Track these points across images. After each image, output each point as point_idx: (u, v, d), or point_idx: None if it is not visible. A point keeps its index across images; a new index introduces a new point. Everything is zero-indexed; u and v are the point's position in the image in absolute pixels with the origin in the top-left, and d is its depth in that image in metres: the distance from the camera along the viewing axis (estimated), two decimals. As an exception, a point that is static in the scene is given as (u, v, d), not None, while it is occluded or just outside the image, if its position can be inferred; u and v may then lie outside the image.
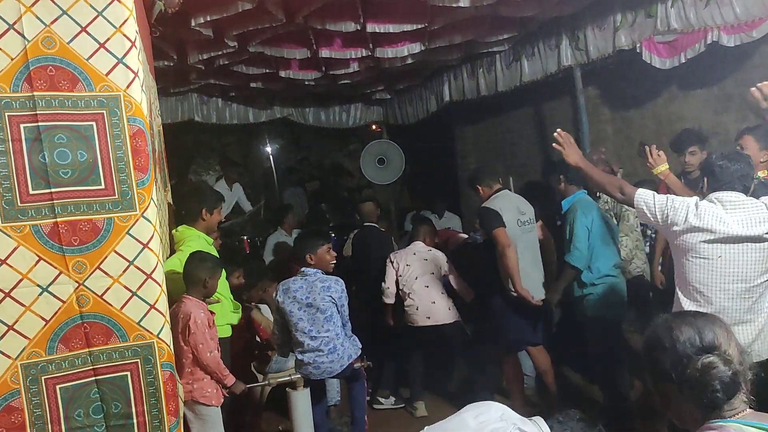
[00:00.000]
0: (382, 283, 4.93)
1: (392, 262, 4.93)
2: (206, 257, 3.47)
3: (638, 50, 4.84)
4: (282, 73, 6.11)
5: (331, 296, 3.76)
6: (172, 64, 5.39)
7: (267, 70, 6.09)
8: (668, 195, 3.14)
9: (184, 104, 7.15)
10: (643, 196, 3.11)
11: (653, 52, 4.81)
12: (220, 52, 5.26)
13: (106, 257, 2.35)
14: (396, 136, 8.73)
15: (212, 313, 3.50)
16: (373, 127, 9.13)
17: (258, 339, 4.68)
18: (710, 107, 5.15)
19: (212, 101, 7.39)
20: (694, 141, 4.40)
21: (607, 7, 4.87)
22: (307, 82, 6.49)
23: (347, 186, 9.92)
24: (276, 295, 3.84)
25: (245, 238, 6.95)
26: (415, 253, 4.92)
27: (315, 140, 10.38)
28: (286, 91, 7.32)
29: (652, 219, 3.09)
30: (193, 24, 4.33)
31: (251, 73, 6.10)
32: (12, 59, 2.23)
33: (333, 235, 7.08)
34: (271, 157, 9.61)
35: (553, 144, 3.52)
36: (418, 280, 4.79)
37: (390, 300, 4.93)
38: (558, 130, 3.53)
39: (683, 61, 4.68)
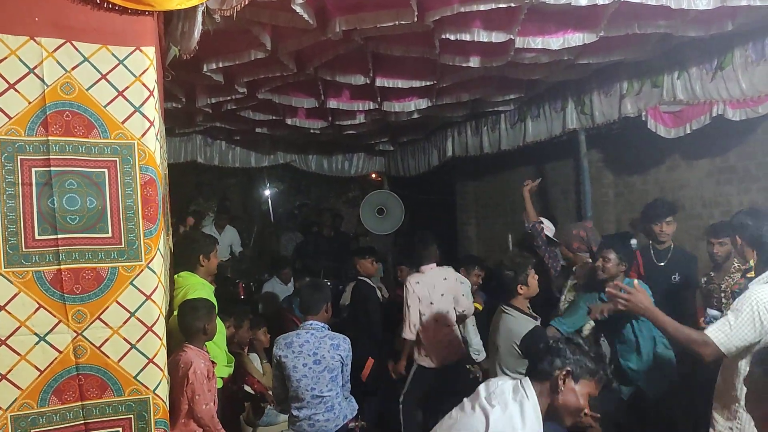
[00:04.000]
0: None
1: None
2: (197, 305, 3.37)
3: (644, 118, 4.89)
4: (288, 121, 6.14)
5: (340, 355, 3.63)
6: (180, 106, 5.40)
7: (274, 117, 6.11)
8: (731, 311, 2.55)
9: (188, 145, 7.16)
10: (725, 339, 2.48)
11: (659, 121, 4.87)
12: (229, 98, 5.28)
13: (107, 307, 2.28)
14: (397, 187, 8.75)
15: (213, 363, 3.40)
16: (373, 175, 9.16)
17: (249, 390, 4.54)
18: (713, 177, 5.20)
19: (216, 144, 7.40)
20: (670, 211, 4.36)
21: (613, 74, 4.95)
22: (312, 131, 6.52)
23: (343, 233, 9.86)
24: (276, 349, 3.70)
25: (240, 282, 6.86)
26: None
27: (315, 186, 10.40)
28: (290, 138, 7.35)
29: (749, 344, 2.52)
30: (205, 69, 4.35)
31: (258, 118, 6.11)
32: (29, 103, 2.20)
33: (328, 282, 7.01)
34: (269, 200, 9.59)
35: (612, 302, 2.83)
36: None
37: None
38: (616, 283, 2.85)
39: (688, 132, 4.73)
